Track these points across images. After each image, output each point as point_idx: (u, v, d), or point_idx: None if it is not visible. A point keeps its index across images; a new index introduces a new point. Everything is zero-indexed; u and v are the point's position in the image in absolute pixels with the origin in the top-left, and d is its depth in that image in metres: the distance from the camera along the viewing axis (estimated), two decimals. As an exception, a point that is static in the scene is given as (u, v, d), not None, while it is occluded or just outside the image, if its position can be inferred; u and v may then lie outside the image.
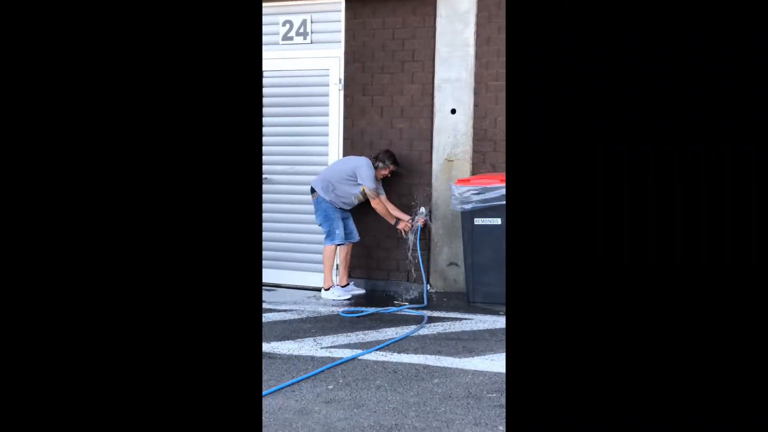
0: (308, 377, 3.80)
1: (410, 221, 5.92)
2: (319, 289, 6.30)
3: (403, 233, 5.98)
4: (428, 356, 4.19)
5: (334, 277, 6.01)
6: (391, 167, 5.89)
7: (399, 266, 6.24)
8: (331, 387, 3.65)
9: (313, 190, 5.93)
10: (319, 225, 5.98)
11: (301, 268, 6.50)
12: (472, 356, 4.18)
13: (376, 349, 4.33)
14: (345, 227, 5.96)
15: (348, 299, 5.89)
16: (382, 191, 5.98)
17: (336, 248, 5.93)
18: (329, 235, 5.91)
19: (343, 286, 6.07)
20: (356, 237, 6.04)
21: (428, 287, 6.00)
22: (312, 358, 4.19)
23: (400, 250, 6.21)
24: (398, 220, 5.91)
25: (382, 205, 5.85)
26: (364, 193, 5.87)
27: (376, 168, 5.83)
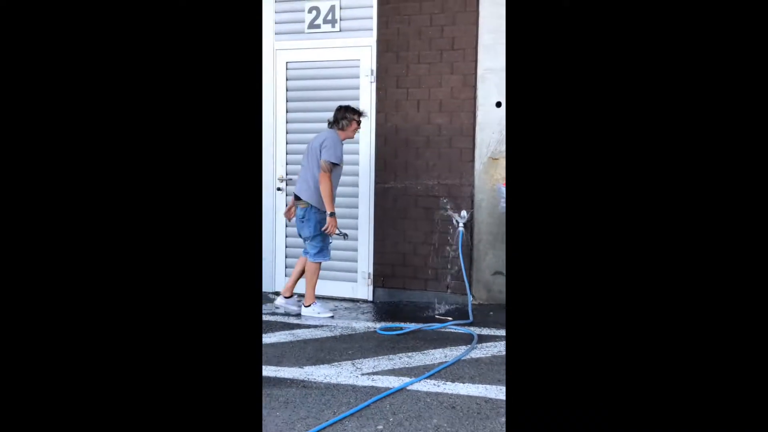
0: (352, 414, 3.26)
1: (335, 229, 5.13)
2: (353, 300, 5.78)
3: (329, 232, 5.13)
4: (488, 386, 3.63)
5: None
6: (356, 118, 5.16)
7: (438, 275, 5.68)
8: (380, 427, 3.10)
9: (297, 198, 5.20)
10: (307, 238, 5.18)
11: (330, 276, 5.94)
12: (539, 386, 3.62)
13: (427, 377, 3.77)
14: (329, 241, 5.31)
15: (330, 316, 5.24)
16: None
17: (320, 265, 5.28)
18: (320, 252, 5.18)
19: (287, 297, 5.39)
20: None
21: (471, 299, 5.43)
22: (353, 387, 3.65)
23: (438, 258, 5.65)
24: (332, 213, 5.06)
25: (329, 184, 5.00)
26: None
27: (342, 129, 5.14)
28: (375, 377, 3.81)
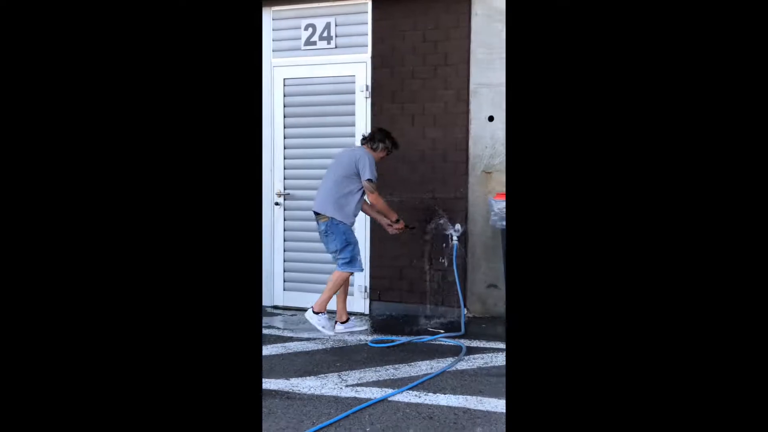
0: (331, 424, 3.29)
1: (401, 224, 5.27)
2: (349, 314, 5.81)
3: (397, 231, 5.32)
4: (468, 397, 3.65)
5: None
6: (390, 147, 5.15)
7: (433, 289, 5.70)
8: (356, 437, 3.14)
9: (317, 214, 5.11)
10: (335, 252, 5.07)
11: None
12: (520, 397, 3.63)
13: (409, 389, 3.80)
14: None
15: (330, 335, 5.11)
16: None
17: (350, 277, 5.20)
18: (351, 261, 5.05)
19: (343, 322, 5.26)
20: None
21: (465, 312, 5.45)
22: (336, 398, 3.68)
23: (434, 271, 5.68)
24: (398, 219, 5.21)
25: (381, 199, 5.09)
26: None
27: (374, 150, 5.11)
28: (359, 389, 3.84)
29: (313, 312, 5.13)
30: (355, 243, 5.11)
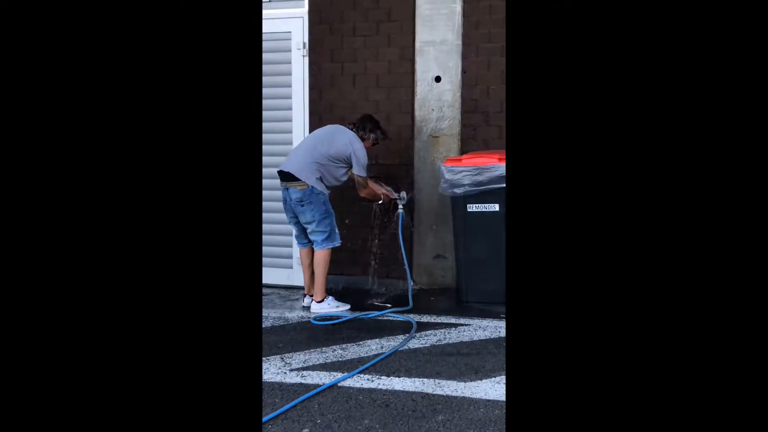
0: (277, 415, 2.96)
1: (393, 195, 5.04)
2: (289, 288, 5.47)
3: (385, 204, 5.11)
4: (425, 380, 3.37)
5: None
6: (381, 137, 4.87)
7: (377, 260, 5.40)
8: (306, 430, 2.82)
9: (292, 178, 4.63)
10: (311, 222, 4.66)
11: (265, 263, 5.61)
12: (480, 378, 3.38)
13: (360, 372, 3.49)
14: None
15: (347, 308, 4.77)
16: None
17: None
18: (330, 236, 4.71)
19: (319, 301, 4.81)
20: None
21: (412, 284, 5.17)
22: (280, 385, 3.35)
23: (378, 242, 5.38)
24: (385, 195, 4.97)
25: (370, 187, 4.81)
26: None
27: (362, 139, 4.78)
28: (305, 373, 3.52)
29: (317, 302, 4.77)
30: (333, 214, 4.77)
